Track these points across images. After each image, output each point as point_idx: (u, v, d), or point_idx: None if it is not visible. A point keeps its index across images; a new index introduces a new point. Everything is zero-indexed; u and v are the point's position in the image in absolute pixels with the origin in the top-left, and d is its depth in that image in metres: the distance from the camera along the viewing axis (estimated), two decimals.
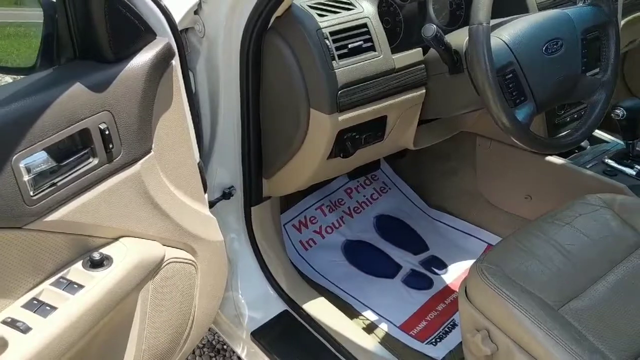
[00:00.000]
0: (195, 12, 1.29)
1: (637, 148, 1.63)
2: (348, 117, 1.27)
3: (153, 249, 1.07)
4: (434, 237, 1.93)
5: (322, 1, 1.28)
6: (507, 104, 1.17)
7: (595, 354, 1.07)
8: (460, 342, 1.56)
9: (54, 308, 0.86)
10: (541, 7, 1.51)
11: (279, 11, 1.22)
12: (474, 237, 1.91)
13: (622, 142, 1.67)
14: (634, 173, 1.57)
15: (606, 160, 1.65)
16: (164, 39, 1.06)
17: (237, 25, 1.26)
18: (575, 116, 1.73)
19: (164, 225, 1.10)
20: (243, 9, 1.23)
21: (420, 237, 1.93)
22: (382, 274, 1.80)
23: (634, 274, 1.24)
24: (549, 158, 1.68)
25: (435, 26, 1.21)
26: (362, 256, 1.86)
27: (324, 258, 1.84)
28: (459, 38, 1.30)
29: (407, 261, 1.84)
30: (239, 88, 1.32)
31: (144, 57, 1.01)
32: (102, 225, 0.97)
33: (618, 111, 1.56)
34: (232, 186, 1.45)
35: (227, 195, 1.45)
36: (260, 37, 1.26)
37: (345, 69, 1.24)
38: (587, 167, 1.64)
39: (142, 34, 1.03)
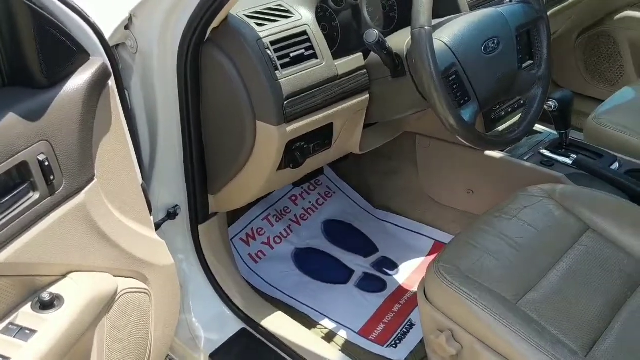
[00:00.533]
0: (126, 27, 1.23)
1: (570, 137, 1.70)
2: (296, 127, 1.25)
3: (105, 282, 1.01)
4: (382, 238, 1.94)
5: (259, 10, 1.26)
6: (453, 106, 1.19)
7: (557, 344, 1.10)
8: (420, 341, 1.58)
9: (6, 359, 0.79)
10: (471, 7, 1.54)
11: (216, 22, 1.19)
12: (421, 234, 1.93)
13: (555, 132, 1.73)
14: (570, 162, 1.63)
15: (542, 151, 1.71)
16: (99, 58, 1.00)
17: (172, 38, 1.21)
18: (510, 110, 1.78)
19: (113, 255, 1.04)
20: (177, 22, 1.19)
21: (369, 239, 1.94)
22: (335, 280, 1.79)
23: (581, 260, 1.28)
24: (488, 153, 1.73)
25: (377, 31, 1.21)
26: (313, 264, 1.85)
27: (275, 269, 1.81)
28: (398, 41, 1.30)
29: (359, 265, 1.84)
30: (178, 104, 1.27)
31: (79, 80, 0.95)
32: (49, 262, 0.91)
33: (550, 103, 1.62)
34: (177, 205, 1.40)
35: (172, 215, 1.40)
36: (197, 50, 1.21)
37: (290, 79, 1.22)
38: (525, 158, 1.69)
39: (75, 54, 0.97)
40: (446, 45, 1.21)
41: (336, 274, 1.81)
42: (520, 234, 1.34)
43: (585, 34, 2.44)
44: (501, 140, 1.38)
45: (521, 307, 1.18)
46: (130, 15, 1.21)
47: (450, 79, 1.21)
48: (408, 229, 1.95)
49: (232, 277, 1.55)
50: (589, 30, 2.41)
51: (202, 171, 1.38)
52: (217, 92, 1.26)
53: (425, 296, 1.26)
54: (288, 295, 1.72)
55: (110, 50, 1.03)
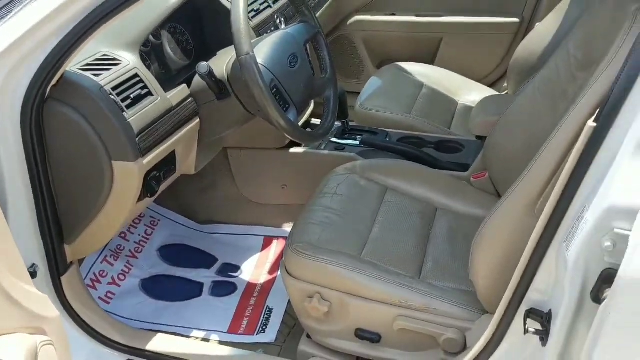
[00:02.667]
0: None
1: (350, 124, 2.09)
2: (150, 159, 1.38)
3: (26, 340, 1.04)
4: (218, 248, 2.11)
5: (90, 62, 1.35)
6: (283, 111, 1.45)
7: (399, 276, 1.43)
8: (283, 321, 1.81)
9: None
10: (257, 32, 1.82)
11: (54, 80, 1.26)
12: (250, 234, 2.15)
13: (338, 123, 2.10)
14: (358, 142, 2.02)
15: (332, 139, 2.06)
16: None
17: (11, 104, 1.23)
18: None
19: (20, 314, 1.07)
20: (16, 89, 1.22)
21: (206, 252, 2.09)
22: (189, 295, 1.91)
23: (391, 212, 1.64)
24: (292, 150, 2.03)
25: (206, 63, 1.41)
26: (163, 289, 1.93)
27: (129, 303, 1.86)
28: (217, 69, 1.51)
29: (205, 276, 1.98)
30: (26, 164, 1.30)
31: None
32: None
33: None
34: (34, 264, 1.41)
35: (32, 275, 1.40)
36: (39, 110, 1.26)
37: (136, 117, 1.34)
38: (322, 148, 2.03)
39: None
40: (264, 66, 1.46)
41: (188, 290, 1.93)
42: (342, 205, 1.65)
43: (328, 39, 2.90)
44: (318, 133, 1.68)
45: (365, 257, 1.49)
46: None
47: (273, 92, 1.46)
48: (238, 234, 2.16)
49: (104, 318, 1.58)
50: (331, 35, 2.87)
51: (57, 224, 1.41)
52: (67, 145, 1.31)
53: (289, 274, 1.50)
54: (152, 323, 1.79)
55: None
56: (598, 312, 0.86)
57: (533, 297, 1.09)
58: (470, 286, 1.36)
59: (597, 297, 0.91)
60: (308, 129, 1.99)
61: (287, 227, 2.15)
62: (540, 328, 1.06)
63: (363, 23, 2.80)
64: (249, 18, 1.78)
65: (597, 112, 0.97)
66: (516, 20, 2.64)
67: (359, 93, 2.37)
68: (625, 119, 0.92)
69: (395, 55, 2.77)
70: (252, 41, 1.50)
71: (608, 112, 0.94)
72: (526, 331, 1.09)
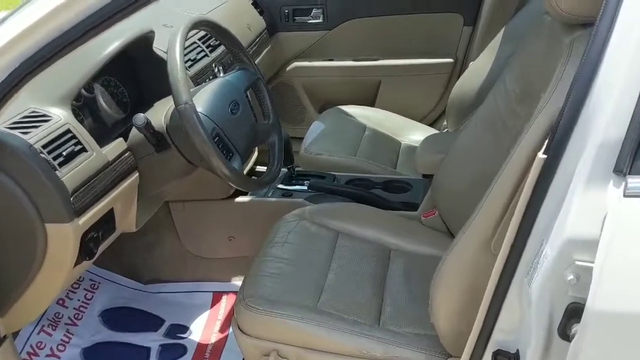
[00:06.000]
0: None
1: (297, 169, 2.06)
2: (87, 219, 1.29)
3: None
4: (164, 308, 2.00)
5: (17, 120, 1.26)
6: (226, 160, 1.39)
7: (357, 324, 1.38)
8: None
9: None
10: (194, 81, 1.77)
11: None
12: (198, 292, 2.06)
13: (284, 168, 2.06)
14: (305, 187, 1.98)
15: (279, 186, 2.02)
16: None
17: None
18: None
19: None
20: None
21: (152, 313, 1.98)
22: None
23: (345, 258, 1.60)
24: (239, 199, 1.97)
25: (143, 115, 1.35)
26: (107, 357, 1.81)
27: None
28: (155, 120, 1.45)
29: (152, 340, 1.87)
30: None
31: None
32: None
33: None
34: None
35: None
36: None
37: (70, 175, 1.26)
38: (269, 196, 1.98)
39: None
40: (205, 114, 1.41)
41: (134, 356, 1.81)
42: (293, 253, 1.60)
43: (268, 86, 2.88)
44: (263, 181, 1.62)
45: (321, 308, 1.43)
46: None
47: (215, 140, 1.41)
48: (185, 291, 2.06)
49: None
50: (270, 82, 2.86)
51: None
52: None
53: (242, 331, 1.42)
54: None
55: None
56: (569, 349, 0.84)
57: (499, 338, 1.06)
58: (432, 329, 1.32)
59: (565, 333, 0.89)
60: (254, 177, 1.95)
61: (237, 281, 2.07)
62: None
63: (302, 69, 2.81)
64: (186, 67, 1.74)
65: (545, 144, 0.97)
66: (450, 60, 2.71)
67: (302, 138, 2.35)
68: (574, 150, 0.92)
69: (336, 99, 2.78)
70: (191, 90, 1.45)
71: (557, 143, 0.93)
72: None
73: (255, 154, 2.01)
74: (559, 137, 0.94)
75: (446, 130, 2.48)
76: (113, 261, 2.07)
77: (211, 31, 1.59)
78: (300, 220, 1.75)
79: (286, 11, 2.73)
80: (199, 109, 1.40)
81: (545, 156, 0.95)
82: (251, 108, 1.59)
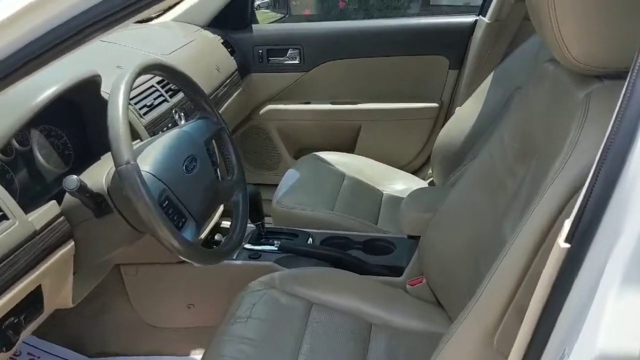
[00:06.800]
0: None
1: (267, 225, 1.84)
2: (5, 302, 1.05)
3: None
4: None
5: None
6: (174, 229, 1.17)
7: None
8: None
9: None
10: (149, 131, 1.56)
11: None
12: None
13: (252, 226, 1.85)
14: (276, 248, 1.76)
15: (247, 245, 1.80)
16: None
17: None
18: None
19: None
20: None
21: None
22: None
23: (319, 335, 1.38)
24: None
25: (75, 177, 1.13)
26: None
27: None
28: (95, 180, 1.23)
29: None
30: None
31: None
32: None
33: None
34: None
35: None
36: None
37: None
38: (234, 257, 1.76)
39: None
40: (152, 174, 1.20)
41: None
42: (259, 331, 1.38)
43: (239, 130, 2.69)
44: (223, 251, 1.40)
45: None
46: None
47: (164, 205, 1.19)
48: None
49: None
50: (242, 127, 2.67)
51: None
52: None
53: None
54: None
55: None
56: None
57: None
58: None
59: None
60: (219, 237, 1.72)
61: (197, 354, 1.83)
62: None
63: (276, 112, 2.62)
64: (140, 115, 1.53)
65: (568, 229, 0.77)
66: (435, 105, 2.55)
67: (277, 185, 2.15)
68: (606, 238, 0.72)
69: (313, 144, 2.60)
70: (140, 144, 1.24)
71: (584, 229, 0.74)
72: None
73: (220, 210, 1.79)
74: (586, 221, 0.74)
75: (431, 179, 2.30)
76: (55, 331, 1.82)
77: (165, 75, 1.38)
78: (268, 288, 1.53)
79: (260, 51, 2.56)
80: (146, 167, 1.19)
81: (568, 245, 0.75)
82: (212, 163, 1.38)
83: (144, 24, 2.38)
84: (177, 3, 2.45)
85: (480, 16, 2.40)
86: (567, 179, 0.89)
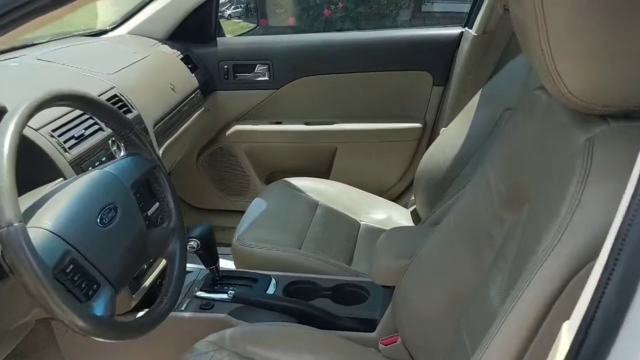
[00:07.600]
0: None
1: (221, 267, 1.61)
2: None
3: None
4: None
5: None
6: (78, 303, 0.94)
7: None
8: None
9: None
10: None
11: None
12: None
13: (206, 270, 1.62)
14: (230, 297, 1.53)
15: (197, 294, 1.57)
16: None
17: None
18: (146, 266, 1.57)
19: None
20: None
21: None
22: None
23: None
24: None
25: None
26: None
27: None
28: None
29: None
30: None
31: None
32: None
33: (192, 243, 1.50)
34: None
35: None
36: None
37: None
38: (183, 308, 1.52)
39: None
40: (52, 232, 0.96)
41: None
42: None
43: (204, 153, 2.47)
44: (152, 319, 1.16)
45: None
46: None
47: (68, 270, 0.96)
48: None
49: None
50: (208, 148, 2.45)
51: None
52: None
53: None
54: None
55: None
56: None
57: None
58: None
59: None
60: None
61: None
62: None
63: (244, 133, 2.40)
64: (66, 149, 1.29)
65: (577, 326, 0.56)
66: (418, 125, 2.33)
67: (242, 212, 1.92)
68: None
69: (285, 168, 2.38)
70: (45, 192, 1.01)
71: (601, 329, 0.52)
72: None
73: (162, 264, 1.54)
74: (596, 336, 0.52)
75: (413, 207, 2.07)
76: None
77: (77, 106, 1.13)
78: (216, 350, 1.31)
79: (225, 67, 2.33)
80: (46, 224, 0.95)
81: None
82: (141, 209, 1.15)
83: (95, 38, 2.16)
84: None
85: (466, 28, 2.19)
86: (571, 239, 0.70)
